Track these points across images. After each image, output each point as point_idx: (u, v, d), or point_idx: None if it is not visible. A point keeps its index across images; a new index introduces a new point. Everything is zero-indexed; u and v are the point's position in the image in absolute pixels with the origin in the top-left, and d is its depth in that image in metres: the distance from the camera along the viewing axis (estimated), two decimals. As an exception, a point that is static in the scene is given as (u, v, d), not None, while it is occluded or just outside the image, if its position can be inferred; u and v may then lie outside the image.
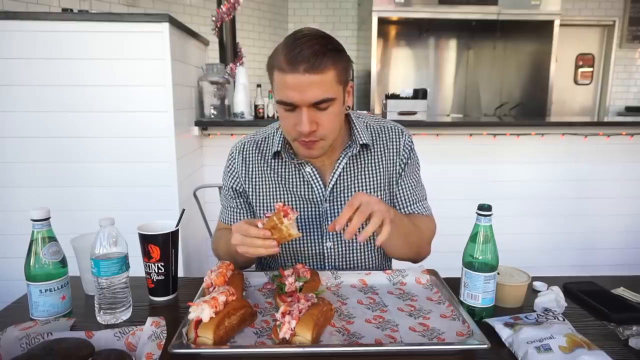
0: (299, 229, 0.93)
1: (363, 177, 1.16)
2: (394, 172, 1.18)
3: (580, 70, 5.34)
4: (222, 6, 2.85)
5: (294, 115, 1.00)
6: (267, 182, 1.18)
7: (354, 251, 1.17)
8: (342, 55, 1.01)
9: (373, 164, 1.17)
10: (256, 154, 1.19)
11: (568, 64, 5.27)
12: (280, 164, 1.17)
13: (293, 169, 1.16)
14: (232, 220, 1.22)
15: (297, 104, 0.97)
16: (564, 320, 0.84)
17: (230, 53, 2.96)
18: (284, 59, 0.95)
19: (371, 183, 1.16)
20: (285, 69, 0.95)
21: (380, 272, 1.07)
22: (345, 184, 1.15)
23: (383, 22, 4.53)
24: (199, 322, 0.78)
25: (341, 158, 1.14)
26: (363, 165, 1.17)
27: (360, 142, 1.14)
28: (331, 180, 1.14)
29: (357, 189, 1.15)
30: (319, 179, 1.14)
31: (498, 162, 2.77)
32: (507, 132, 2.71)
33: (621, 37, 5.26)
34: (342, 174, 1.15)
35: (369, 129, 1.19)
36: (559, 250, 2.85)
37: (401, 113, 2.90)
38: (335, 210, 1.15)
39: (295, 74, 0.94)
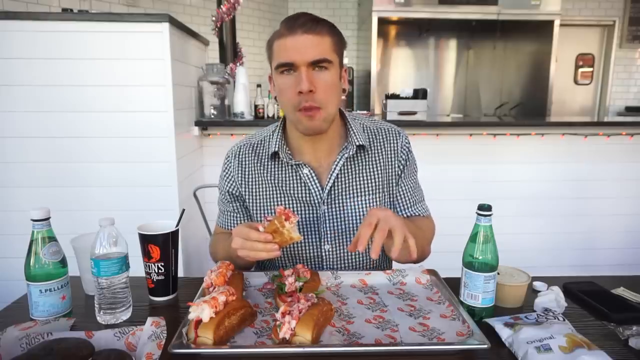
0: (300, 233, 0.93)
1: (360, 179, 1.15)
2: (393, 173, 1.18)
3: (580, 70, 5.34)
4: (222, 6, 2.85)
5: (293, 78, 1.02)
6: (264, 185, 1.17)
7: (352, 254, 1.17)
8: (338, 31, 1.07)
9: (370, 166, 1.16)
10: (252, 157, 1.19)
11: (568, 64, 5.27)
12: (277, 166, 1.16)
13: (290, 171, 1.15)
14: (229, 224, 1.22)
15: (296, 63, 1.00)
16: (564, 320, 0.84)
17: (230, 53, 2.96)
18: (283, 28, 1.02)
19: (369, 185, 1.15)
20: (284, 34, 1.01)
21: (380, 272, 1.07)
22: (343, 186, 1.15)
23: (383, 22, 4.53)
24: (199, 322, 0.78)
25: (338, 159, 1.13)
26: (360, 167, 1.16)
27: (357, 144, 1.13)
28: (328, 182, 1.13)
29: (354, 191, 1.15)
30: (316, 181, 1.13)
31: (498, 162, 2.77)
32: (507, 132, 2.71)
33: (621, 37, 5.26)
34: (339, 175, 1.14)
35: (365, 131, 1.18)
36: (559, 250, 2.85)
37: (401, 113, 2.89)
38: (333, 213, 1.14)
39: (294, 36, 1.00)
